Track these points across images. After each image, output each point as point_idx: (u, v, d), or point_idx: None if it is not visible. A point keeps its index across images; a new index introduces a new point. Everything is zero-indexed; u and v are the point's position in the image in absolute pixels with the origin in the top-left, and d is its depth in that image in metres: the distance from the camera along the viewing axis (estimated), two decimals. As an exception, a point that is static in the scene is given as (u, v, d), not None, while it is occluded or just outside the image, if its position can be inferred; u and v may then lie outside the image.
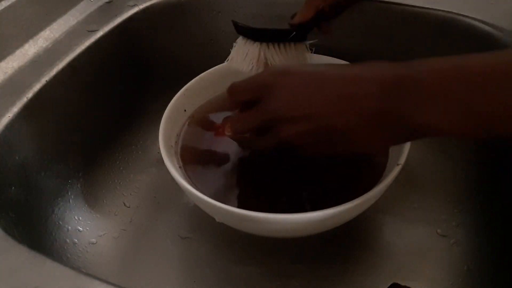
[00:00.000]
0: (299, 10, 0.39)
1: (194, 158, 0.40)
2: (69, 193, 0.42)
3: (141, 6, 0.48)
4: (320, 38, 0.44)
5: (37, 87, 0.39)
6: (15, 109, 0.37)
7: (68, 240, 0.40)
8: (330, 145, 0.29)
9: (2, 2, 0.41)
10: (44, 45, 0.43)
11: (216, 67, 0.45)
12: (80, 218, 0.42)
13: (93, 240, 0.42)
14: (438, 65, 0.25)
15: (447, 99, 0.24)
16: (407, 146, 0.35)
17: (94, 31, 0.45)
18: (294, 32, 0.38)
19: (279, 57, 0.38)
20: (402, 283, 0.34)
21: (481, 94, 0.23)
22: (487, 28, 0.41)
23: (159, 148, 0.37)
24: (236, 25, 0.39)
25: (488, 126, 0.24)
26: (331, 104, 0.27)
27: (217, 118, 0.42)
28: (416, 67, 0.25)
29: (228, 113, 0.39)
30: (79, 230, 0.42)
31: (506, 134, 0.23)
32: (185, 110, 0.43)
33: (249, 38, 0.38)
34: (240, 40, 0.39)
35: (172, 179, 0.35)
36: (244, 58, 0.38)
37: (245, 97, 0.32)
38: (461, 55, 0.25)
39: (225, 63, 0.42)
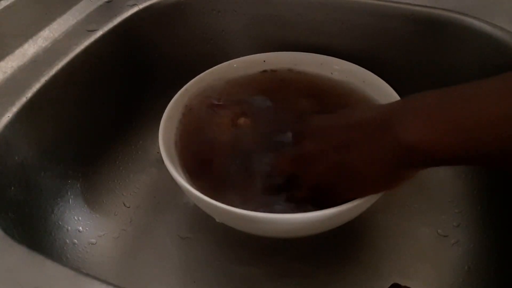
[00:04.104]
0: None
1: (194, 158, 0.40)
2: (69, 193, 0.42)
3: (141, 6, 0.48)
4: (322, 38, 0.44)
5: (36, 87, 0.38)
6: (15, 109, 0.37)
7: (68, 240, 0.40)
8: (347, 183, 0.31)
9: (2, 2, 0.41)
10: (43, 45, 0.43)
11: (216, 67, 0.45)
12: (80, 218, 0.42)
13: (93, 240, 0.42)
14: (426, 93, 0.27)
15: (431, 115, 0.25)
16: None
17: (94, 31, 0.44)
18: None
19: None
20: (402, 283, 0.34)
21: (463, 109, 0.24)
22: (487, 28, 0.41)
23: (159, 148, 0.37)
24: None
25: (474, 140, 0.24)
26: (338, 138, 0.31)
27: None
28: (410, 96, 0.28)
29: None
30: (79, 230, 0.42)
31: (494, 152, 0.24)
32: (186, 111, 0.43)
33: None
34: None
35: (172, 179, 0.35)
36: None
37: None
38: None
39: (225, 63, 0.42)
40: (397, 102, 0.31)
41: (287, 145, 0.37)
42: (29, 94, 0.38)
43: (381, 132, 0.27)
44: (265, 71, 0.46)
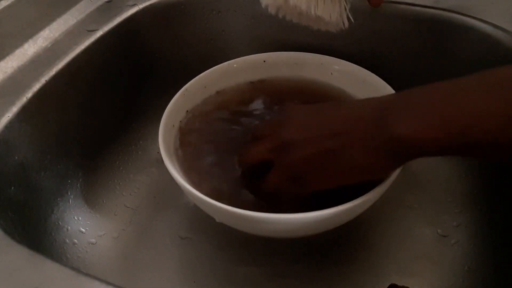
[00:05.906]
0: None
1: (194, 158, 0.40)
2: (69, 193, 0.42)
3: (141, 6, 0.48)
4: (322, 38, 0.44)
5: (36, 87, 0.39)
6: (15, 109, 0.37)
7: (67, 240, 0.40)
8: (334, 170, 0.31)
9: (2, 2, 0.41)
10: (43, 45, 0.43)
11: (216, 67, 0.45)
12: (80, 218, 0.42)
13: (93, 240, 0.42)
14: (416, 88, 0.28)
15: (421, 110, 0.27)
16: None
17: (94, 30, 0.44)
18: None
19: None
20: (402, 283, 0.34)
21: (450, 104, 0.26)
22: (487, 28, 0.41)
23: (159, 148, 0.37)
24: None
25: (461, 133, 0.25)
26: (330, 127, 0.31)
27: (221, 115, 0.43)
28: (400, 92, 0.29)
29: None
30: (79, 230, 0.42)
31: (479, 144, 0.25)
32: (186, 111, 0.43)
33: None
34: None
35: (172, 179, 0.35)
36: None
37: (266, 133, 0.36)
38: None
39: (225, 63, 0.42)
40: (387, 97, 0.32)
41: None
42: (29, 94, 0.38)
43: (374, 125, 0.29)
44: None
